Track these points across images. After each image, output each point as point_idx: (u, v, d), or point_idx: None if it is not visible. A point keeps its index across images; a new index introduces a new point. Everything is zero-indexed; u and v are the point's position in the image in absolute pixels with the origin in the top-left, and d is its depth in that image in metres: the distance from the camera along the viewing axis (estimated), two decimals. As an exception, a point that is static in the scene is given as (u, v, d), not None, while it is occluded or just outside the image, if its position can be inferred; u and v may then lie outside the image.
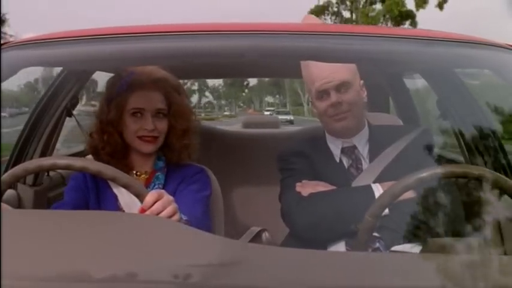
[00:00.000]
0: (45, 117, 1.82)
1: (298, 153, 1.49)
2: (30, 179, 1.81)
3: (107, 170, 1.07)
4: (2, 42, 1.30)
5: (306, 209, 1.33)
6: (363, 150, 1.45)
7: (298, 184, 1.40)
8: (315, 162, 1.45)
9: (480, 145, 1.69)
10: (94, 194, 1.36)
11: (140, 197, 1.06)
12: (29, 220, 0.87)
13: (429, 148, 1.46)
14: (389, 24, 27.62)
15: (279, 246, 1.50)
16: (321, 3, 27.81)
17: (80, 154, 2.36)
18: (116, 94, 1.38)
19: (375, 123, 1.53)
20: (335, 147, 1.47)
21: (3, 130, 1.67)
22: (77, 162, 1.09)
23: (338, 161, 1.45)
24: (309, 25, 1.49)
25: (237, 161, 2.36)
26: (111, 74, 1.51)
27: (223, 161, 2.14)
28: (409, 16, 27.67)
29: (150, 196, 1.05)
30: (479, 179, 1.32)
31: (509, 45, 1.29)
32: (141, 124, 1.35)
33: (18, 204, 1.75)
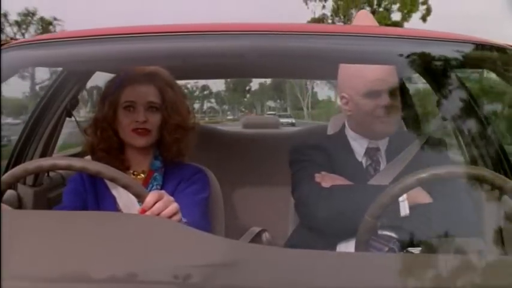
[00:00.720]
0: (45, 117, 1.82)
1: (315, 146, 1.50)
2: (30, 179, 1.81)
3: (107, 170, 1.07)
4: (2, 42, 1.29)
5: (327, 201, 1.34)
6: (383, 152, 1.47)
7: (317, 175, 1.40)
8: (334, 157, 1.46)
9: (480, 145, 1.69)
10: (92, 196, 1.36)
11: (140, 197, 1.06)
12: (29, 220, 0.87)
13: (443, 152, 1.48)
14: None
15: (285, 241, 1.50)
16: (317, 16, 27.94)
17: (79, 155, 2.37)
18: (110, 91, 1.40)
19: None
20: (359, 146, 1.48)
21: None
22: (77, 163, 1.09)
23: (360, 160, 1.46)
24: (309, 25, 1.48)
25: (237, 161, 2.36)
26: (111, 74, 1.51)
27: (223, 161, 2.14)
28: (397, 26, 27.67)
29: (151, 196, 1.04)
30: (479, 179, 1.32)
31: (509, 45, 1.29)
32: (133, 117, 1.36)
33: (18, 204, 1.75)
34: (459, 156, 1.87)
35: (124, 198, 1.32)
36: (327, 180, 1.39)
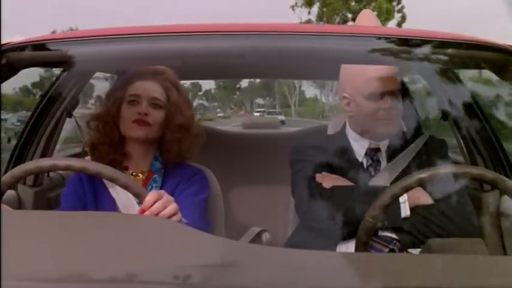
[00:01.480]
0: (45, 118, 1.82)
1: (316, 147, 1.50)
2: (30, 179, 1.81)
3: (107, 170, 1.07)
4: (2, 42, 1.29)
5: (327, 201, 1.34)
6: (384, 152, 1.47)
7: (318, 175, 1.41)
8: (334, 158, 1.47)
9: (480, 145, 1.69)
10: (91, 197, 1.36)
11: (140, 197, 1.06)
12: (29, 220, 0.87)
13: (444, 152, 1.48)
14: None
15: (285, 241, 1.50)
16: (303, 20, 28.18)
17: (80, 155, 2.37)
18: (116, 87, 1.43)
19: None
20: (360, 146, 1.48)
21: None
22: (77, 163, 1.09)
23: (360, 160, 1.46)
24: (310, 25, 1.49)
25: (237, 161, 2.36)
26: (111, 75, 1.52)
27: (223, 161, 2.14)
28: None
29: (150, 196, 1.05)
30: (479, 179, 1.32)
31: (509, 45, 1.29)
32: (135, 109, 1.37)
33: (18, 205, 1.75)
34: (459, 156, 1.87)
35: (123, 199, 1.32)
36: (327, 180, 1.39)
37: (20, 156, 1.78)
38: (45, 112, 1.82)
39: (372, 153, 1.47)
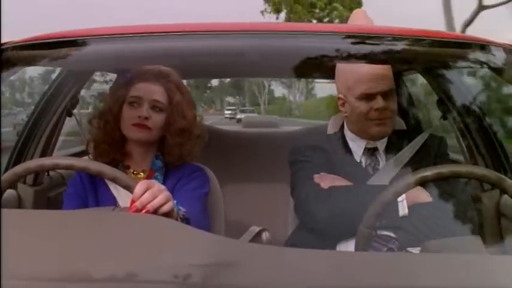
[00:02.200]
0: (45, 117, 1.82)
1: (314, 147, 1.50)
2: (30, 178, 1.81)
3: (92, 165, 1.09)
4: (2, 42, 1.29)
5: (326, 202, 1.34)
6: (382, 151, 1.47)
7: (316, 176, 1.41)
8: (332, 158, 1.47)
9: (480, 145, 1.69)
10: (93, 198, 1.36)
11: (130, 188, 1.05)
12: (29, 220, 0.87)
13: (443, 150, 1.48)
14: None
15: (285, 241, 1.50)
16: None
17: (79, 154, 2.36)
18: (118, 86, 1.42)
19: None
20: (357, 146, 1.48)
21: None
22: (64, 161, 1.10)
23: (358, 160, 1.46)
24: (310, 25, 1.49)
25: (237, 160, 2.36)
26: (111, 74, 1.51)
27: (223, 160, 2.14)
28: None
29: (139, 186, 1.03)
30: (479, 179, 1.32)
31: (509, 45, 1.29)
32: (136, 112, 1.36)
33: (18, 204, 1.74)
34: (459, 155, 1.87)
35: (124, 199, 1.32)
36: (325, 181, 1.39)
37: (20, 155, 1.78)
38: (45, 111, 1.82)
39: (370, 152, 1.47)
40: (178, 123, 1.40)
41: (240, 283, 0.69)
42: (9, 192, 1.69)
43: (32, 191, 1.80)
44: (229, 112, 31.27)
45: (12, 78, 1.44)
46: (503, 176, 1.06)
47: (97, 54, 1.33)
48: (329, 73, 1.57)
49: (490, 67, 1.37)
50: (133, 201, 1.03)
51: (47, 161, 1.20)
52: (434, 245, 1.05)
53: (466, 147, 1.76)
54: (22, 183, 1.78)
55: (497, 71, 1.36)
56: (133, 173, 1.40)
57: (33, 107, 1.88)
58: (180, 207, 1.16)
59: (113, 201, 1.34)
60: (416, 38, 1.27)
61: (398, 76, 2.25)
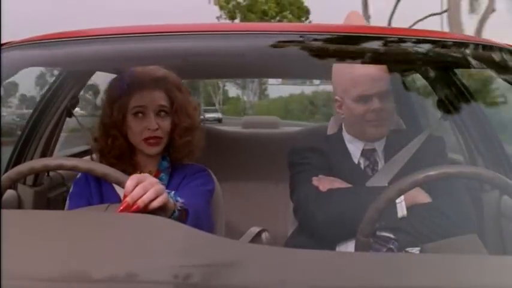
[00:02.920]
0: (45, 117, 1.82)
1: (313, 149, 1.49)
2: (30, 179, 1.81)
3: (82, 163, 1.08)
4: (2, 42, 1.29)
5: (325, 204, 1.34)
6: (381, 152, 1.47)
7: (315, 178, 1.41)
8: (331, 159, 1.47)
9: (480, 145, 1.69)
10: (98, 198, 1.35)
11: (121, 184, 1.04)
12: (29, 220, 0.87)
13: (442, 150, 1.48)
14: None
15: (284, 242, 1.50)
16: None
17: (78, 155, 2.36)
18: (118, 95, 1.37)
19: None
20: (355, 148, 1.48)
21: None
22: (68, 162, 1.10)
23: (356, 162, 1.46)
24: (309, 25, 1.49)
25: (236, 161, 2.36)
26: (111, 74, 1.51)
27: (223, 161, 2.14)
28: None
29: (130, 181, 1.02)
30: (479, 179, 1.32)
31: (509, 45, 1.29)
32: (144, 124, 1.34)
33: (18, 204, 1.74)
34: (458, 156, 1.87)
35: None
36: (324, 183, 1.39)
37: (20, 155, 1.78)
38: (46, 111, 1.82)
39: (368, 154, 1.47)
40: (184, 123, 1.40)
41: (240, 283, 0.69)
42: (9, 193, 1.69)
43: (32, 191, 1.80)
44: (212, 115, 24.63)
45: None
46: (501, 176, 1.05)
47: (97, 54, 1.33)
48: (327, 73, 1.57)
49: (489, 67, 1.37)
50: (125, 196, 1.01)
51: (51, 161, 1.20)
52: (433, 246, 1.05)
53: (466, 147, 1.76)
54: (22, 183, 1.78)
55: (497, 71, 1.36)
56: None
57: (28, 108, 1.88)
58: (178, 199, 1.14)
59: (117, 201, 1.34)
60: (415, 38, 1.28)
61: (397, 76, 2.26)
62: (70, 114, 1.87)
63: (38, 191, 1.82)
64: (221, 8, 24.11)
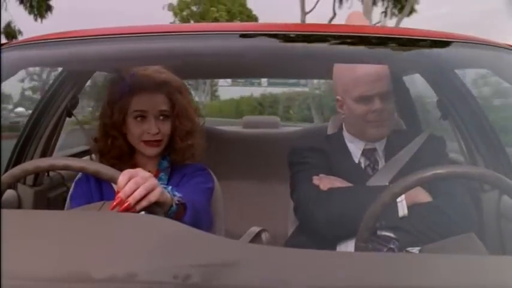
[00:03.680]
0: (45, 117, 1.82)
1: (314, 148, 1.50)
2: (30, 179, 1.81)
3: (73, 162, 1.08)
4: (2, 42, 1.29)
5: (325, 203, 1.34)
6: (381, 152, 1.47)
7: (315, 177, 1.41)
8: (332, 159, 1.47)
9: (480, 145, 1.69)
10: (98, 198, 1.35)
11: (114, 180, 1.03)
12: (29, 220, 0.87)
13: (442, 151, 1.48)
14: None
15: (285, 241, 1.50)
16: None
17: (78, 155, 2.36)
18: (119, 96, 1.37)
19: None
20: (355, 147, 1.48)
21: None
22: (44, 162, 1.11)
23: (357, 161, 1.46)
24: (310, 25, 1.49)
25: (237, 160, 2.36)
26: (111, 74, 1.50)
27: (223, 160, 2.15)
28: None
29: (122, 176, 1.01)
30: (479, 179, 1.32)
31: (509, 45, 1.29)
32: (144, 128, 1.34)
33: (18, 204, 1.74)
34: (458, 156, 1.87)
35: None
36: (324, 182, 1.39)
37: (20, 155, 1.78)
38: (45, 111, 1.82)
39: (369, 153, 1.47)
40: (185, 126, 1.40)
41: (240, 283, 0.69)
42: (9, 193, 1.69)
43: (32, 191, 1.80)
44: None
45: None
46: (501, 176, 1.05)
47: (97, 54, 1.33)
48: (327, 73, 1.57)
49: (489, 67, 1.37)
50: (118, 192, 1.00)
51: (43, 162, 1.20)
52: (434, 246, 1.05)
53: (466, 147, 1.76)
54: (22, 183, 1.78)
55: (497, 71, 1.36)
56: None
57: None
58: (176, 193, 1.14)
59: None
60: (416, 39, 1.27)
61: (397, 76, 2.26)
62: (70, 114, 1.87)
63: (38, 191, 1.82)
64: (175, 14, 24.67)
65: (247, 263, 0.73)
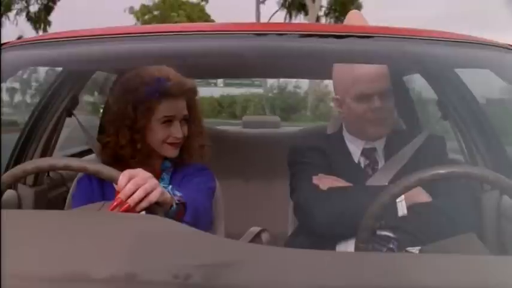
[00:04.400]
0: (45, 117, 1.82)
1: (313, 148, 1.50)
2: (30, 179, 1.81)
3: (73, 162, 1.08)
4: (2, 42, 1.29)
5: (325, 203, 1.34)
6: (381, 152, 1.47)
7: (315, 177, 1.41)
8: (331, 159, 1.47)
9: (480, 145, 1.69)
10: (99, 197, 1.35)
11: (114, 180, 1.03)
12: (29, 220, 0.87)
13: (442, 150, 1.48)
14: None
15: (283, 242, 1.50)
16: None
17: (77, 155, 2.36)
18: (143, 101, 1.34)
19: None
20: (355, 147, 1.48)
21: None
22: (44, 163, 1.10)
23: (357, 161, 1.46)
24: (309, 25, 1.49)
25: (237, 160, 2.36)
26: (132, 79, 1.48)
27: (223, 161, 2.14)
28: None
29: (122, 177, 1.01)
30: (479, 179, 1.32)
31: (510, 45, 1.29)
32: (170, 131, 1.36)
33: (18, 204, 1.74)
34: (458, 156, 1.87)
35: None
36: (324, 182, 1.39)
37: (20, 155, 1.78)
38: (45, 111, 1.82)
39: (368, 153, 1.47)
40: (198, 127, 1.44)
41: (240, 283, 0.69)
42: (9, 193, 1.69)
43: (32, 191, 1.80)
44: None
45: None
46: (502, 176, 1.05)
47: (97, 54, 1.33)
48: (327, 73, 1.57)
49: (489, 67, 1.37)
50: (118, 193, 1.00)
51: (43, 162, 1.20)
52: (434, 245, 1.05)
53: (466, 147, 1.76)
54: (22, 183, 1.78)
55: (497, 71, 1.36)
56: None
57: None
58: (176, 193, 1.14)
59: None
60: (416, 39, 1.27)
61: (397, 76, 2.26)
62: (70, 114, 1.87)
63: (38, 191, 1.82)
64: (137, 18, 25.27)
65: (247, 263, 0.73)
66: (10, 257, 0.68)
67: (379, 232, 1.30)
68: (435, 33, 1.30)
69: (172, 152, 1.38)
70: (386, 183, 1.35)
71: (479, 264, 0.80)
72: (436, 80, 1.82)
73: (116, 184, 1.02)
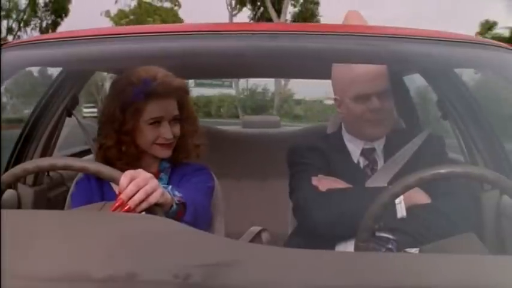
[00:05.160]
0: (45, 117, 1.82)
1: (313, 148, 1.49)
2: (30, 179, 1.81)
3: (75, 162, 1.07)
4: (2, 42, 1.29)
5: (324, 204, 1.34)
6: (380, 152, 1.47)
7: (314, 178, 1.40)
8: (331, 159, 1.46)
9: (480, 145, 1.69)
10: (98, 198, 1.35)
11: (115, 180, 1.03)
12: (29, 220, 0.87)
13: (441, 150, 1.48)
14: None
15: (283, 242, 1.50)
16: None
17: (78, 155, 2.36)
18: (131, 102, 1.33)
19: None
20: (355, 147, 1.48)
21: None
22: (44, 162, 1.10)
23: (356, 161, 1.46)
24: (310, 25, 1.49)
25: (237, 160, 2.36)
26: (120, 80, 1.48)
27: (223, 161, 2.14)
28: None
29: (123, 177, 1.01)
30: (479, 179, 1.32)
31: (510, 45, 1.29)
32: (159, 133, 1.34)
33: (18, 204, 1.74)
34: (458, 155, 1.87)
35: None
36: (323, 183, 1.39)
37: (20, 155, 1.78)
38: (45, 111, 1.82)
39: (368, 153, 1.47)
40: (193, 126, 1.42)
41: (240, 283, 0.69)
42: (9, 192, 1.69)
43: (31, 191, 1.80)
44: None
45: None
46: (502, 176, 1.05)
47: (97, 54, 1.33)
48: (326, 73, 1.56)
49: (489, 67, 1.37)
50: (120, 194, 1.01)
51: (43, 162, 1.20)
52: (433, 245, 1.05)
53: (466, 146, 1.76)
54: (22, 183, 1.78)
55: (497, 71, 1.36)
56: None
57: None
58: (176, 193, 1.14)
59: None
60: (416, 38, 1.27)
61: (397, 76, 2.26)
62: (70, 114, 1.87)
63: (38, 191, 1.82)
64: (115, 23, 25.74)
65: (247, 263, 0.73)
66: (10, 257, 0.68)
67: (378, 233, 1.29)
68: (435, 33, 1.30)
69: (163, 153, 1.36)
70: (386, 184, 1.35)
71: (479, 264, 0.80)
72: (435, 80, 1.82)
73: (117, 185, 1.02)
